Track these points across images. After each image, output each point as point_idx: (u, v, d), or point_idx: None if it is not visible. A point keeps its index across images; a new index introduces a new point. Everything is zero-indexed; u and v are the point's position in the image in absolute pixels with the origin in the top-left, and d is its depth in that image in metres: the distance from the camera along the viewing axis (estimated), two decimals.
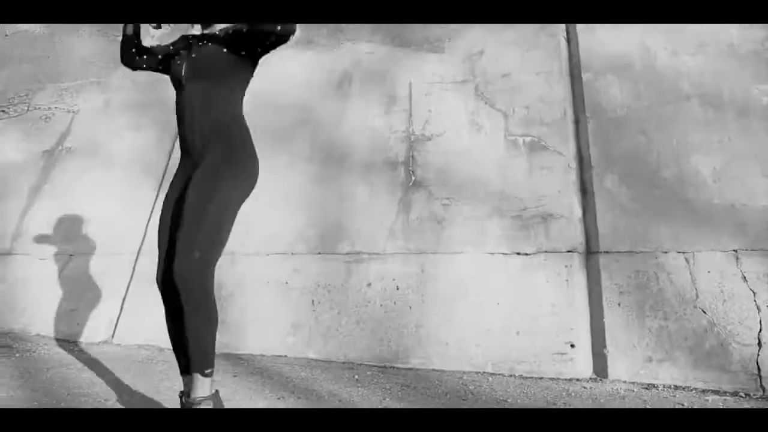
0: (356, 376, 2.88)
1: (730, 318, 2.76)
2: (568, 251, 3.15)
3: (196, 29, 2.24)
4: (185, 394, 1.88)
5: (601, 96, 3.50)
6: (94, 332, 3.66)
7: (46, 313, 3.81)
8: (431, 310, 3.18)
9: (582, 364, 2.88)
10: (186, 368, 1.97)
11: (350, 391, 2.60)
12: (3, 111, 4.87)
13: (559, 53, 3.70)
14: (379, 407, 2.37)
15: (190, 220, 1.81)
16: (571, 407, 2.42)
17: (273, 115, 3.95)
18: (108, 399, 2.51)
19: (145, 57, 2.37)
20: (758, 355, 2.68)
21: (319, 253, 3.48)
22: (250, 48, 2.03)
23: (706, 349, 2.75)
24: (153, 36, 2.35)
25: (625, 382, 2.80)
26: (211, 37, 2.08)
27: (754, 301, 2.81)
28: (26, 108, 4.82)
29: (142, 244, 3.88)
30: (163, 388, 2.74)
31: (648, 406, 2.44)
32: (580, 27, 3.75)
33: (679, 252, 3.00)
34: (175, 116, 2.11)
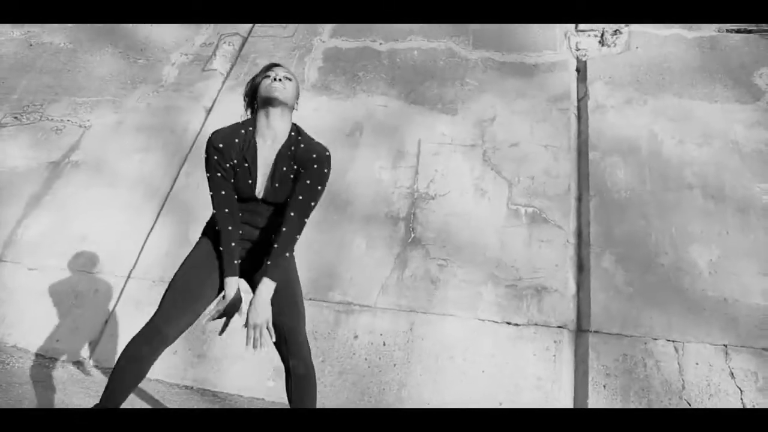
0: None
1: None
2: (559, 327, 3.15)
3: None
4: None
5: (606, 176, 3.55)
6: (72, 352, 3.60)
7: (27, 325, 3.75)
8: (415, 370, 3.15)
9: None
10: None
11: None
12: (16, 117, 4.91)
13: (569, 129, 3.77)
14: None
15: (296, 303, 2.16)
16: None
17: None
18: None
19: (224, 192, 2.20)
20: None
21: (310, 299, 3.46)
22: None
23: None
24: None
25: None
26: (297, 154, 2.18)
27: (741, 399, 2.79)
28: (39, 117, 4.86)
29: (133, 267, 3.86)
30: None
31: None
32: (591, 106, 3.82)
33: (669, 340, 2.99)
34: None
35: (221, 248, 2.09)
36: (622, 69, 3.95)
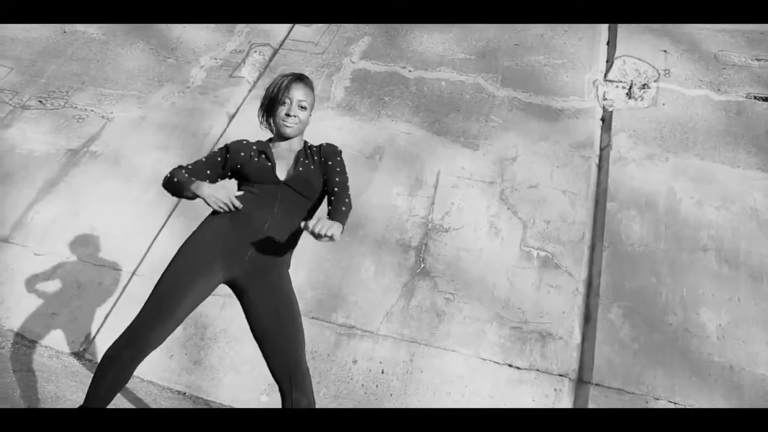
0: None
1: None
2: (560, 375, 3.11)
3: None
4: None
5: (622, 228, 3.54)
6: (68, 342, 3.57)
7: (26, 310, 3.73)
8: (411, 402, 3.11)
9: None
10: None
11: None
12: (40, 101, 4.93)
13: (589, 177, 3.77)
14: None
15: (297, 326, 2.10)
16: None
17: None
18: None
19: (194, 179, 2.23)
20: None
21: (313, 318, 3.44)
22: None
23: None
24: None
25: None
26: (313, 155, 2.30)
27: None
28: (63, 104, 4.88)
29: (139, 264, 3.85)
30: None
31: None
32: (613, 156, 3.83)
33: (671, 401, 2.96)
34: (248, 198, 2.18)
35: (175, 179, 2.14)
36: (647, 124, 3.96)
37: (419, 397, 3.12)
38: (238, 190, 2.23)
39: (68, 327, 3.63)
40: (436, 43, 4.76)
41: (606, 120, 4.10)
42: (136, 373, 3.33)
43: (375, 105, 4.39)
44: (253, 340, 2.13)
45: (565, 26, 4.65)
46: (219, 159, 2.26)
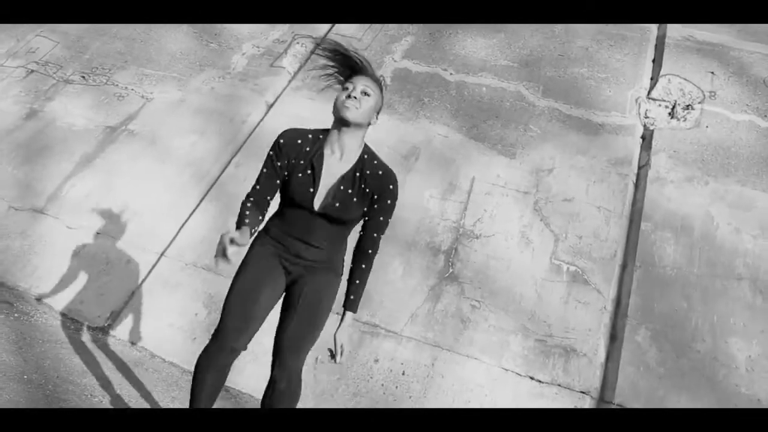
0: None
1: None
2: (582, 392, 3.08)
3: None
4: None
5: (655, 249, 3.49)
6: (93, 316, 3.62)
7: (55, 281, 3.78)
8: (430, 406, 3.10)
9: None
10: None
11: None
12: (83, 77, 5.00)
13: (625, 194, 3.72)
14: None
15: (313, 325, 2.16)
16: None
17: None
18: (95, 396, 2.46)
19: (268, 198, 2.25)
20: None
21: (338, 314, 3.43)
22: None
23: None
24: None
25: None
26: (365, 178, 2.17)
27: None
28: (105, 81, 4.94)
29: (168, 246, 3.88)
30: (153, 399, 2.69)
31: None
32: (651, 176, 3.77)
33: None
34: (287, 222, 2.19)
35: (237, 222, 2.11)
36: (688, 145, 3.90)
37: (438, 402, 3.11)
38: (281, 197, 2.19)
39: (95, 302, 3.68)
40: (479, 47, 4.73)
41: (646, 138, 4.04)
42: (158, 353, 3.39)
43: (414, 105, 4.37)
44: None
45: (611, 40, 4.59)
46: (279, 164, 2.16)
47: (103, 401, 2.45)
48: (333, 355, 2.15)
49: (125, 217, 4.05)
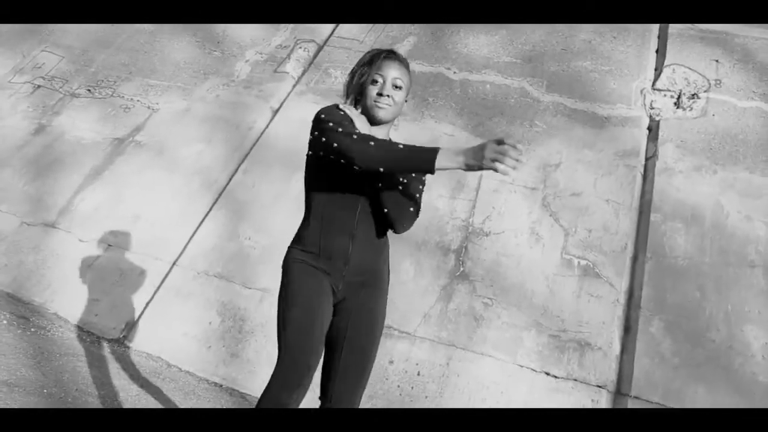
0: None
1: None
2: (598, 386, 3.08)
3: None
4: None
5: (665, 240, 3.48)
6: (109, 328, 3.65)
7: (69, 295, 3.82)
8: (446, 405, 3.11)
9: None
10: None
11: None
12: (89, 90, 5.04)
13: (633, 186, 3.71)
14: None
15: (369, 357, 1.89)
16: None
17: None
18: (114, 407, 2.48)
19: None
20: None
21: None
22: None
23: None
24: None
25: None
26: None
27: None
28: (111, 93, 4.98)
29: (180, 255, 3.91)
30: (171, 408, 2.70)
31: None
32: (659, 167, 3.76)
33: None
34: (323, 218, 1.91)
35: (401, 147, 1.66)
36: (695, 134, 3.89)
37: (454, 401, 3.12)
38: (310, 197, 1.95)
39: (110, 314, 3.71)
40: (481, 45, 4.73)
41: (653, 129, 4.02)
42: (174, 362, 3.41)
43: (419, 105, 4.38)
44: None
45: (614, 32, 4.58)
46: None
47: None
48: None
49: (136, 228, 4.08)
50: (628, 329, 3.28)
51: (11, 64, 5.49)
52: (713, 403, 2.92)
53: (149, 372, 3.22)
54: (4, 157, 4.65)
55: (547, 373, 3.15)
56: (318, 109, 1.93)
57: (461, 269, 3.55)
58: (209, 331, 3.54)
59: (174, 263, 3.89)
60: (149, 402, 2.76)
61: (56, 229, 4.14)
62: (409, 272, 3.58)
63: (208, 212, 4.10)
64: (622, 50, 4.46)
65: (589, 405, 3.03)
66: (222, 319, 3.56)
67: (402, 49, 4.82)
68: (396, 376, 3.23)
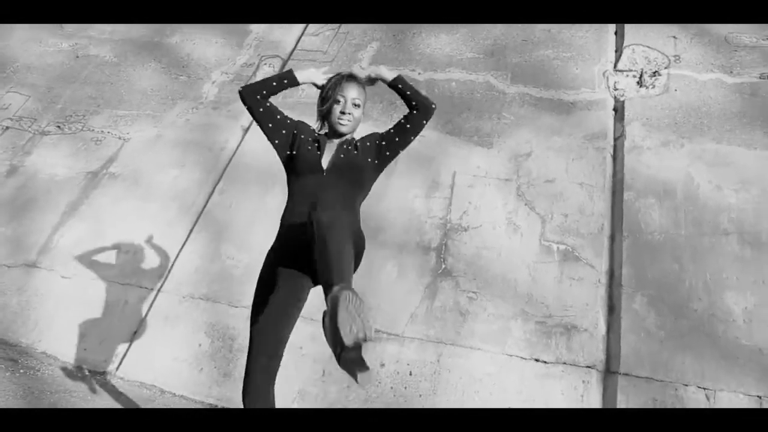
0: None
1: None
2: (588, 367, 3.12)
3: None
4: None
5: (640, 217, 3.53)
6: (99, 361, 3.64)
7: (57, 332, 3.81)
8: (441, 402, 3.13)
9: None
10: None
11: None
12: (58, 126, 5.03)
13: (605, 168, 3.77)
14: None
15: (340, 240, 1.83)
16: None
17: None
18: None
19: (267, 105, 2.42)
20: None
21: None
22: (393, 156, 2.46)
23: None
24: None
25: None
26: (360, 146, 2.40)
27: None
28: (80, 127, 4.98)
29: (164, 281, 3.91)
30: None
31: None
32: (627, 146, 3.82)
33: (700, 387, 2.95)
34: (292, 198, 2.31)
35: (257, 82, 2.44)
36: (660, 111, 3.95)
37: (448, 397, 3.14)
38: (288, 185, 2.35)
39: (99, 347, 3.70)
40: (443, 44, 4.78)
41: (618, 110, 4.09)
42: (167, 388, 3.41)
43: (387, 109, 4.42)
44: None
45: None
46: (289, 121, 2.44)
47: None
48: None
49: (118, 259, 4.08)
50: (612, 308, 3.33)
51: None
52: (701, 371, 2.97)
53: (143, 400, 3.22)
54: None
55: (537, 360, 3.19)
56: None
57: (443, 266, 3.58)
58: (199, 353, 3.54)
59: (159, 290, 3.89)
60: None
61: (38, 269, 4.13)
62: (392, 274, 3.61)
63: (189, 236, 4.11)
64: (582, 36, 4.53)
65: (580, 387, 3.06)
66: (211, 340, 3.56)
67: (366, 55, 4.86)
68: (388, 379, 3.25)
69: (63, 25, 6.01)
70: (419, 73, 4.61)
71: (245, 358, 3.43)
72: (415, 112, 2.38)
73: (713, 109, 3.89)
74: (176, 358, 3.55)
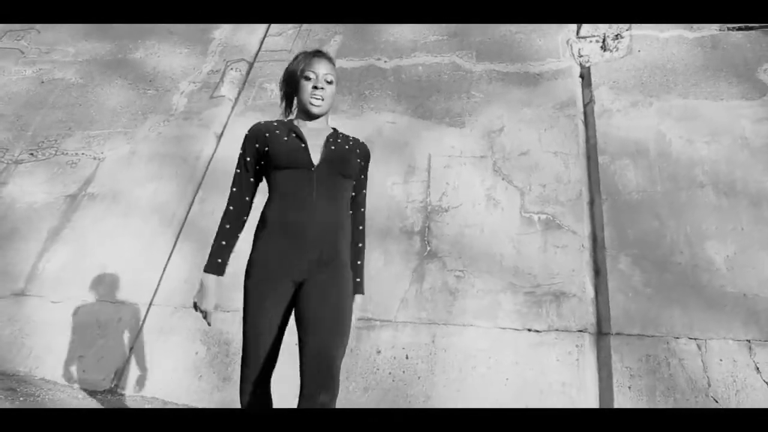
0: None
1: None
2: (579, 331, 3.16)
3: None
4: None
5: (617, 179, 3.58)
6: (98, 380, 3.64)
7: (54, 357, 3.80)
8: (440, 382, 3.17)
9: None
10: None
11: None
12: (31, 153, 5.00)
13: (577, 135, 3.81)
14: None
15: (340, 331, 1.92)
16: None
17: None
18: None
19: (253, 193, 2.22)
20: None
21: None
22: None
23: None
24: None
25: None
26: (348, 139, 2.19)
27: None
28: (54, 152, 4.95)
29: (154, 294, 3.91)
30: None
31: None
32: (597, 110, 3.86)
33: (690, 338, 3.00)
34: (281, 196, 2.06)
35: (213, 242, 2.07)
36: (625, 73, 4.00)
37: (447, 376, 3.18)
38: (268, 183, 2.12)
39: (97, 366, 3.70)
40: (406, 30, 4.80)
41: (585, 76, 4.13)
42: (169, 399, 3.42)
43: (357, 100, 4.43)
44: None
45: None
46: (249, 159, 2.12)
47: None
48: None
49: (105, 278, 4.07)
50: (598, 271, 3.38)
51: None
52: (690, 323, 3.02)
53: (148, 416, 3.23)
54: None
55: (530, 330, 3.23)
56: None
57: (428, 249, 3.61)
58: (197, 361, 3.56)
59: (150, 303, 3.89)
60: None
61: (27, 296, 4.12)
62: (379, 262, 3.63)
63: (174, 246, 4.11)
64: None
65: (574, 351, 3.11)
66: (207, 347, 3.58)
67: (330, 49, 4.87)
68: (386, 365, 3.29)
69: (24, 51, 5.96)
70: (385, 61, 4.62)
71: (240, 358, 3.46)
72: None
73: (677, 66, 3.94)
74: (175, 369, 3.56)
